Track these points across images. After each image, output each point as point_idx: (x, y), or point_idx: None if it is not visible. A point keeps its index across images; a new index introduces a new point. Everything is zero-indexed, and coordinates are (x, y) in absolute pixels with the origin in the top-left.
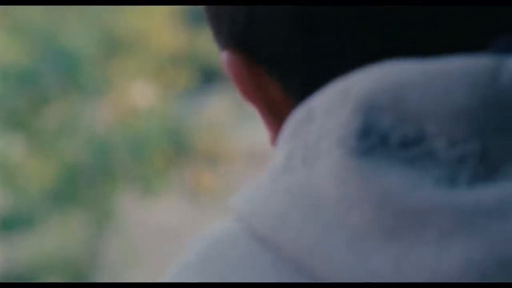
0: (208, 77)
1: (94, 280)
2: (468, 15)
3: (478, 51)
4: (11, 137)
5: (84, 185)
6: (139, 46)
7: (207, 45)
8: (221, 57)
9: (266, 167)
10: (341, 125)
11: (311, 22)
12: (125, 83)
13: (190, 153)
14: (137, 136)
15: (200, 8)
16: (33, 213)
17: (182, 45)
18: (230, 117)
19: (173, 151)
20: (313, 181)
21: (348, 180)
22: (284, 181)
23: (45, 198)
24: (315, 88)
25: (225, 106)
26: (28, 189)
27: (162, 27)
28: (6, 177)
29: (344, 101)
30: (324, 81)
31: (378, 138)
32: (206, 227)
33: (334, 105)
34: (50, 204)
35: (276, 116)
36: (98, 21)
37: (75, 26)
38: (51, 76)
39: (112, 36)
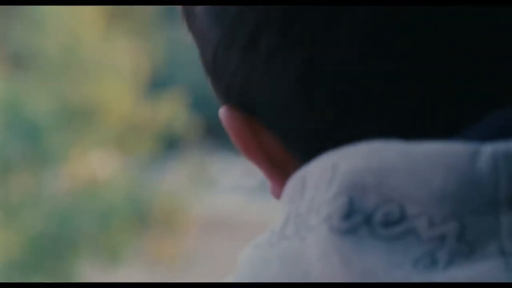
0: (168, 145)
1: None
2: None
3: (453, 134)
4: None
5: (48, 255)
6: (99, 115)
7: (167, 114)
8: (220, 112)
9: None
10: (328, 202)
11: (309, 89)
12: (86, 152)
13: (150, 221)
14: (99, 205)
15: (160, 77)
16: None
17: (142, 114)
18: (190, 185)
19: (134, 220)
20: (303, 254)
21: (332, 257)
22: (279, 247)
23: (9, 268)
24: (315, 147)
25: (185, 174)
26: None
27: (122, 97)
28: None
29: (331, 177)
30: (322, 142)
31: (362, 217)
32: None
33: (323, 179)
34: (14, 274)
35: (278, 171)
36: (59, 91)
37: (37, 96)
38: (14, 146)
39: (73, 106)
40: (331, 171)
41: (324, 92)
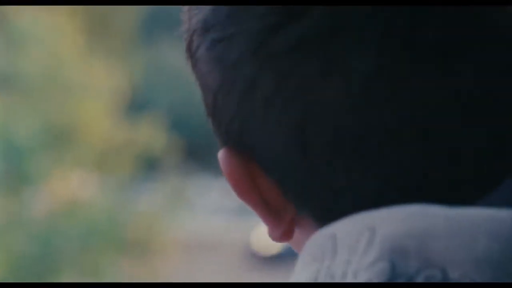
0: (147, 166)
1: None
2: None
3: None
4: None
5: (29, 275)
6: (79, 136)
7: (146, 135)
8: (219, 154)
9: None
10: (368, 267)
11: (304, 137)
12: (67, 173)
13: (129, 243)
14: (79, 226)
15: (139, 99)
16: None
17: (121, 135)
18: (169, 207)
19: (114, 241)
20: None
21: None
22: None
23: None
24: (310, 194)
25: (164, 195)
26: None
27: (101, 118)
28: None
29: (370, 241)
30: (317, 189)
31: (404, 281)
32: None
33: (360, 242)
34: None
35: (274, 214)
36: (40, 112)
37: (18, 117)
38: None
39: (54, 126)
40: (369, 234)
41: (318, 141)
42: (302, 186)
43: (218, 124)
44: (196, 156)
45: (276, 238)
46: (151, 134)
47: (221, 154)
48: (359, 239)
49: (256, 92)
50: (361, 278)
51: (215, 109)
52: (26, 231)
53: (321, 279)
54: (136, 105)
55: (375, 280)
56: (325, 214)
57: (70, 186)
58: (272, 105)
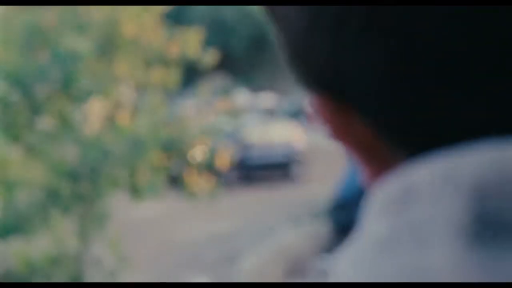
0: (188, 77)
1: (86, 275)
2: None
3: None
4: (8, 143)
5: (78, 186)
6: (129, 48)
7: (186, 46)
8: (309, 100)
9: None
10: (455, 213)
11: (401, 73)
12: (117, 85)
13: (175, 153)
14: (128, 136)
15: (180, 10)
16: (28, 216)
17: (164, 45)
18: (212, 116)
19: (161, 152)
20: (426, 265)
21: (469, 269)
22: (393, 257)
23: (40, 201)
24: (405, 133)
25: (206, 105)
26: (20, 195)
27: (150, 30)
28: (5, 183)
29: (454, 187)
30: (413, 127)
31: (495, 227)
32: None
33: (443, 189)
34: (44, 205)
35: (367, 155)
36: (91, 25)
37: (72, 29)
38: (50, 78)
39: (105, 39)
40: (452, 179)
41: (420, 71)
42: (398, 125)
43: (306, 69)
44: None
45: (371, 178)
46: (191, 45)
47: (314, 101)
48: (441, 186)
49: (347, 27)
50: (449, 225)
51: (303, 52)
52: (77, 143)
53: (405, 230)
54: (177, 16)
55: (467, 227)
56: (420, 151)
57: (117, 98)
58: (364, 39)
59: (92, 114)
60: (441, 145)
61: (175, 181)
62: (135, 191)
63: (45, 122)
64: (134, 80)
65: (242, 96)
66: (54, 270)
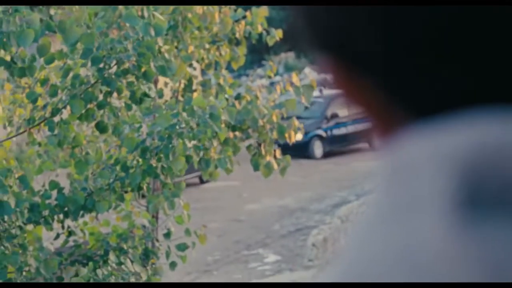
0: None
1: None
2: None
3: None
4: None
5: (150, 162)
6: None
7: (257, 25)
8: (322, 62)
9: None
10: (451, 188)
11: (407, 41)
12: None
13: (250, 127)
14: (199, 113)
15: None
16: (100, 192)
17: (235, 25)
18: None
19: (234, 127)
20: (422, 237)
21: (462, 241)
22: (391, 228)
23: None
24: (411, 96)
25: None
26: (92, 171)
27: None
28: (77, 159)
29: (451, 163)
30: (419, 90)
31: (489, 202)
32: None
33: (440, 164)
34: (116, 181)
35: (375, 115)
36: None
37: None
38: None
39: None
40: (447, 156)
41: (419, 42)
42: (405, 85)
43: (318, 35)
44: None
45: (378, 136)
46: (262, 25)
47: (325, 62)
48: (437, 162)
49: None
50: (443, 200)
51: (321, 20)
52: (145, 123)
53: (404, 201)
54: None
55: (458, 199)
56: (424, 113)
57: (187, 78)
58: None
59: (164, 91)
60: (443, 109)
61: (246, 157)
62: (207, 166)
63: (118, 99)
64: (203, 59)
65: (309, 73)
66: (126, 246)
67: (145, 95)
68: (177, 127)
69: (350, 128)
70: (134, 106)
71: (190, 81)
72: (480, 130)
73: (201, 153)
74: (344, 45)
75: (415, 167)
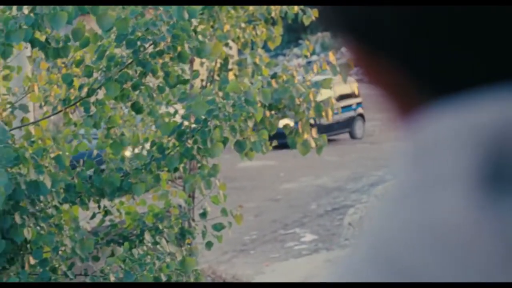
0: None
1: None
2: None
3: None
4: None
5: (186, 143)
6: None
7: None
8: (345, 44)
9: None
10: (475, 166)
11: (429, 22)
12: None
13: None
14: (235, 94)
15: None
16: (136, 173)
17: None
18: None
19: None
20: (445, 214)
21: (484, 218)
22: (416, 206)
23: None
24: (430, 76)
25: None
26: (128, 152)
27: None
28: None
29: (474, 140)
30: (437, 71)
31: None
32: None
33: (464, 142)
34: (152, 162)
35: (396, 96)
36: None
37: None
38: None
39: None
40: (470, 133)
41: (440, 30)
42: (427, 64)
43: (341, 15)
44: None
45: (400, 116)
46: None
47: (347, 44)
48: (461, 139)
49: None
50: (466, 176)
51: (346, 6)
52: (180, 104)
53: (429, 175)
54: None
55: (481, 175)
56: (444, 92)
57: (223, 58)
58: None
59: (200, 70)
60: (466, 87)
61: (282, 137)
62: (242, 148)
63: (153, 80)
64: (239, 39)
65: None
66: (161, 226)
67: (179, 77)
68: (211, 111)
69: None
70: (167, 89)
71: (226, 60)
72: (503, 107)
73: (237, 135)
74: (367, 28)
75: (439, 144)
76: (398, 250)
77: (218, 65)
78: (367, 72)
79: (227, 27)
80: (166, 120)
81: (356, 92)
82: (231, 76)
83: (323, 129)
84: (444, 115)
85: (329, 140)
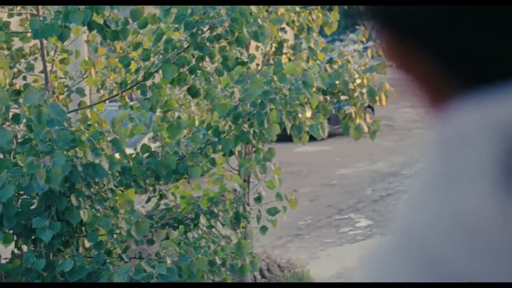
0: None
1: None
2: None
3: None
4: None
5: (242, 126)
6: None
7: None
8: (378, 33)
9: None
10: (500, 160)
11: (462, 15)
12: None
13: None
14: (291, 77)
15: None
16: (192, 156)
17: None
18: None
19: (326, 92)
20: (470, 205)
21: (508, 210)
22: (443, 197)
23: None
24: (464, 66)
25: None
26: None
27: None
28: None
29: (500, 135)
30: (471, 62)
31: None
32: None
33: (489, 136)
34: (208, 146)
35: (427, 86)
36: None
37: None
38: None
39: None
40: (499, 126)
41: (470, 24)
42: (459, 56)
43: (376, 6)
44: None
45: (430, 106)
46: None
47: (381, 35)
48: (489, 132)
49: None
50: (493, 169)
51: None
52: (237, 87)
53: (455, 170)
54: None
55: (501, 173)
56: (474, 84)
57: (278, 42)
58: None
59: (256, 55)
60: (495, 79)
61: (337, 122)
62: (299, 132)
63: (210, 64)
64: (294, 23)
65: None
66: (216, 209)
67: (237, 60)
68: (267, 94)
69: None
70: (225, 72)
71: (280, 44)
72: None
73: (293, 119)
74: (401, 19)
75: (466, 136)
76: (429, 241)
77: (273, 49)
78: (399, 62)
79: (281, 10)
80: (223, 102)
81: None
82: (284, 59)
83: (334, 121)
84: (471, 108)
85: (385, 125)
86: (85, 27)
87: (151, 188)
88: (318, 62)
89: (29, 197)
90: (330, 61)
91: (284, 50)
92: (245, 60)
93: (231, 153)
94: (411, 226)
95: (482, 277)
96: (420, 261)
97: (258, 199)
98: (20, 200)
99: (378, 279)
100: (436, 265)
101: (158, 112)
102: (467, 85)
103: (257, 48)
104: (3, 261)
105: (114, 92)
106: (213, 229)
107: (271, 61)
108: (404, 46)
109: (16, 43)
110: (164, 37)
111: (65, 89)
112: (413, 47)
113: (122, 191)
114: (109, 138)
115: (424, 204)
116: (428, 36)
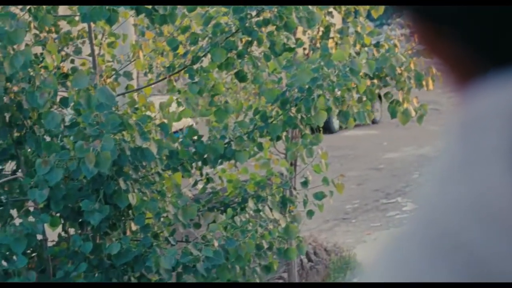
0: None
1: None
2: None
3: None
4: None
5: (289, 111)
6: None
7: None
8: (406, 21)
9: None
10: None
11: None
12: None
13: (389, 76)
14: (338, 62)
15: None
16: (239, 141)
17: None
18: None
19: (373, 76)
20: (489, 189)
21: None
22: (463, 179)
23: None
24: (489, 48)
25: None
26: (231, 120)
27: None
28: (217, 109)
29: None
30: (496, 44)
31: None
32: None
33: (509, 117)
34: (255, 130)
35: (455, 66)
36: None
37: None
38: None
39: None
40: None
41: (487, 20)
42: (485, 38)
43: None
44: None
45: (456, 88)
46: None
47: (415, 24)
48: (506, 118)
49: None
50: (506, 156)
51: None
52: (284, 72)
53: (474, 154)
54: None
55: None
56: (498, 66)
57: (325, 26)
58: None
59: (303, 40)
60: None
61: (384, 107)
62: (346, 118)
63: (256, 49)
64: (341, 7)
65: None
66: (263, 194)
67: (285, 46)
68: (315, 79)
69: None
70: (272, 57)
71: (327, 28)
72: None
73: (341, 105)
74: (432, 17)
75: (487, 119)
76: (452, 226)
77: (320, 33)
78: (427, 44)
79: None
80: (270, 87)
81: None
82: (331, 44)
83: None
84: (494, 90)
85: (432, 110)
86: (133, 11)
87: (198, 172)
88: (366, 49)
89: (76, 180)
90: (377, 45)
91: (331, 34)
92: (292, 46)
93: (278, 137)
94: (434, 209)
95: (503, 259)
96: (445, 247)
97: (305, 183)
98: (67, 183)
99: (400, 266)
100: (461, 251)
101: (205, 96)
102: (493, 68)
103: (304, 32)
104: (50, 244)
105: (161, 76)
106: (260, 213)
107: (318, 45)
108: (433, 29)
109: (64, 26)
110: (213, 21)
111: (113, 72)
112: (442, 29)
113: (169, 175)
114: (156, 122)
115: (446, 189)
116: (456, 19)
